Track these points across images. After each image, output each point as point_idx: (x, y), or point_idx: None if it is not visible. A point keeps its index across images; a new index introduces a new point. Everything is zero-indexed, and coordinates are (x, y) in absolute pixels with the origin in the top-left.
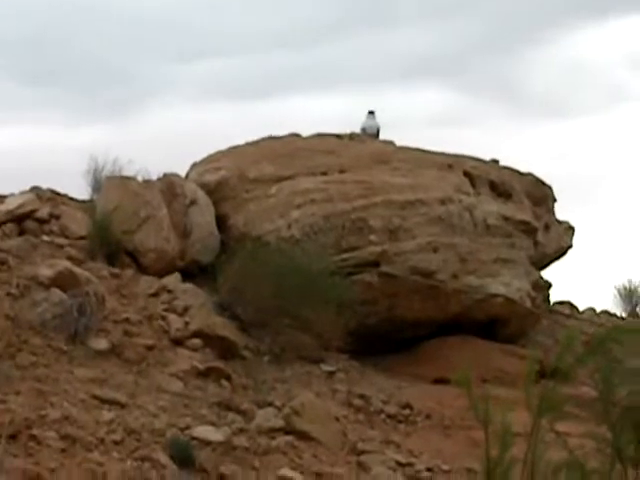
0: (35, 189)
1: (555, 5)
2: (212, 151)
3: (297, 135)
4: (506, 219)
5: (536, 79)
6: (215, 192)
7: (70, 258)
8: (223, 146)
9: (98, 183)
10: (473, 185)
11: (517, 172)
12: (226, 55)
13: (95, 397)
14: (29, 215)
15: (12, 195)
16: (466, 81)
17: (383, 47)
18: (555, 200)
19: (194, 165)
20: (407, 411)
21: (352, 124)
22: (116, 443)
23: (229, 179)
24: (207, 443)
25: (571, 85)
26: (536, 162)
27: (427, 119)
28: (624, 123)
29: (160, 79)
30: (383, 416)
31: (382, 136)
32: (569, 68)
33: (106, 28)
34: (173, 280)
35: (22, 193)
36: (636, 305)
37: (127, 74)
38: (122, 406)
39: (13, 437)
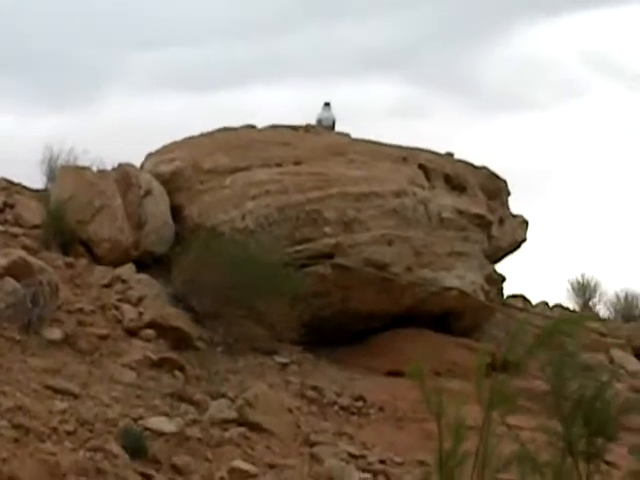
0: None
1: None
2: (167, 142)
3: (252, 127)
4: (460, 212)
5: (490, 73)
6: (170, 183)
7: (24, 247)
8: (178, 137)
9: (53, 172)
10: (428, 178)
11: (471, 165)
12: (181, 45)
13: (48, 387)
14: None
15: None
16: (420, 74)
17: (337, 39)
18: (509, 194)
19: (149, 155)
20: (360, 403)
21: (307, 116)
22: (69, 433)
23: (184, 170)
24: (160, 434)
25: (524, 80)
26: (490, 155)
27: (381, 112)
28: (577, 118)
29: (114, 69)
30: (336, 408)
31: (337, 128)
32: (522, 63)
33: (59, 17)
34: (127, 270)
35: None
36: (589, 299)
37: (81, 63)
38: (75, 396)
39: None
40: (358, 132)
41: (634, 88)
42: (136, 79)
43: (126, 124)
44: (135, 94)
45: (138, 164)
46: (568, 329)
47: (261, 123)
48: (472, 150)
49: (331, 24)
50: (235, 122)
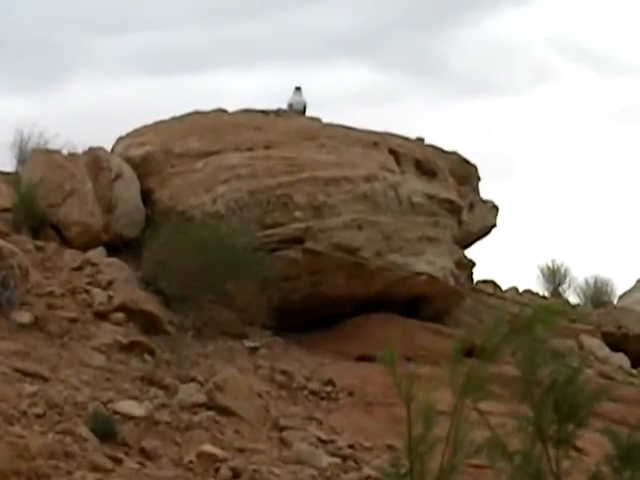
0: None
1: None
2: (137, 125)
3: (223, 111)
4: (431, 198)
5: (458, 58)
6: (140, 166)
7: None
8: (148, 120)
9: (23, 156)
10: (398, 163)
11: (442, 151)
12: (149, 29)
13: (17, 370)
14: None
15: None
16: (389, 59)
17: (304, 24)
18: (479, 179)
19: (120, 139)
20: (329, 388)
21: (275, 100)
22: (38, 416)
23: (154, 153)
24: (129, 417)
25: (494, 64)
26: (459, 140)
27: (351, 97)
28: (547, 103)
29: (82, 52)
30: (306, 392)
31: (308, 113)
32: (492, 48)
33: (27, 0)
34: (97, 254)
35: None
36: (559, 284)
37: (48, 46)
38: (44, 379)
39: None
40: (328, 117)
41: (604, 73)
42: (104, 63)
43: (94, 108)
44: (103, 78)
45: (109, 148)
46: (547, 318)
47: (229, 107)
48: (442, 135)
49: (298, 9)
50: (203, 106)
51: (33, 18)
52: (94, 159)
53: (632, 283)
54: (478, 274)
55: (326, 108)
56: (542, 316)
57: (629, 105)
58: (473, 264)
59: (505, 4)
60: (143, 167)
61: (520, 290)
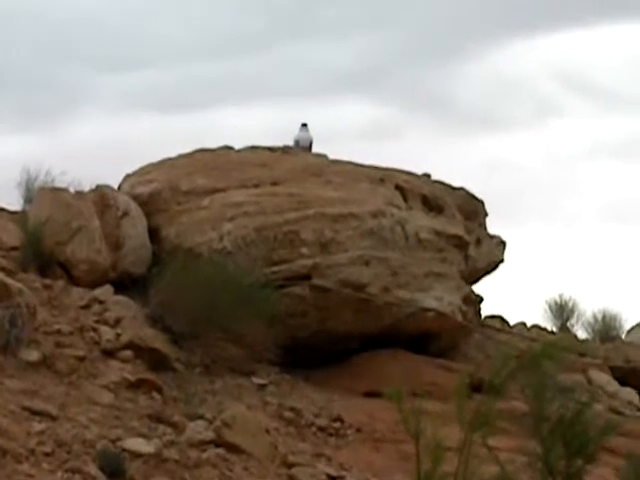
0: None
1: (483, 19)
2: (143, 163)
3: (230, 148)
4: (438, 233)
5: (463, 93)
6: (147, 204)
7: (2, 269)
8: (153, 158)
9: (30, 194)
10: (405, 199)
11: (449, 186)
12: (152, 67)
13: (26, 408)
14: None
15: None
16: (392, 95)
17: (306, 61)
18: (487, 214)
19: (127, 177)
20: (338, 424)
21: (279, 137)
22: (47, 455)
23: (161, 191)
24: (138, 455)
25: (498, 99)
26: (464, 175)
27: (355, 133)
28: (553, 137)
29: (86, 89)
30: (314, 429)
31: (314, 149)
32: (496, 82)
33: (30, 38)
34: (105, 292)
35: None
36: (567, 319)
37: (53, 84)
38: (53, 418)
39: None
40: (332, 154)
41: (608, 107)
42: (108, 100)
43: (99, 145)
44: (107, 115)
45: (115, 185)
46: (556, 354)
47: (233, 144)
48: (446, 170)
49: (299, 45)
50: (207, 142)
51: (37, 56)
52: (101, 197)
53: None
54: (486, 309)
55: (330, 144)
56: (550, 352)
57: (632, 140)
58: (481, 299)
59: (509, 38)
60: (150, 205)
61: (528, 325)
